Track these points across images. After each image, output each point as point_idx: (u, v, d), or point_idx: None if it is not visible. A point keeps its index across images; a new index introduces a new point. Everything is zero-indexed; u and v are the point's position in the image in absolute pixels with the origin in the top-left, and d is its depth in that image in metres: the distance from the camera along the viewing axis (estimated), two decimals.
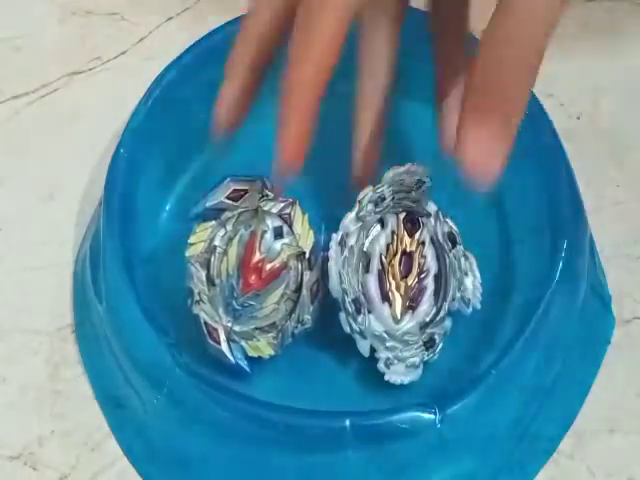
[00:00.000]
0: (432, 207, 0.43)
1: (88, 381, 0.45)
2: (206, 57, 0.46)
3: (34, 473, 0.42)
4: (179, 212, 0.47)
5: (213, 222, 0.42)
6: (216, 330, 0.41)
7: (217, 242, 0.41)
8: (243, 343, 0.41)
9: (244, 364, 0.41)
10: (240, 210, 0.42)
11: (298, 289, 0.42)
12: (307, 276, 0.41)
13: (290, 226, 0.42)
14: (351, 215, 0.42)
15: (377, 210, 0.42)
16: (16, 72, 0.55)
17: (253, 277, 0.41)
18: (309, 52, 0.31)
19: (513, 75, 0.29)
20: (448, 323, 0.42)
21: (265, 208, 0.42)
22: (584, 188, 0.45)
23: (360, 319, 0.41)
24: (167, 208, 0.47)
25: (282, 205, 0.42)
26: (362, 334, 0.41)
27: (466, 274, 0.42)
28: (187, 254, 0.41)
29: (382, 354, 0.41)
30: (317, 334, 0.42)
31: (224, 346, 0.41)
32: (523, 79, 0.29)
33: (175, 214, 0.47)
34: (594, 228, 0.46)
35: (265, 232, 0.42)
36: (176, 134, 0.46)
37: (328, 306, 0.42)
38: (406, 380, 0.41)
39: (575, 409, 0.42)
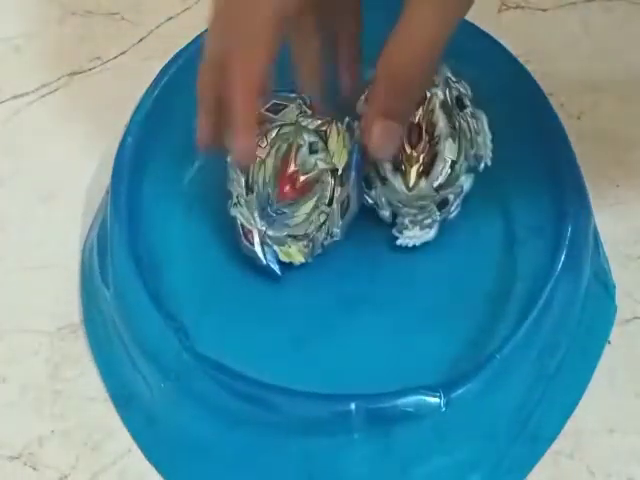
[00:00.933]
0: (442, 74, 0.45)
1: (96, 370, 0.45)
2: None
3: (34, 473, 0.42)
4: (186, 199, 0.47)
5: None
6: (251, 232, 0.44)
7: (257, 152, 0.44)
8: (275, 247, 0.44)
9: (275, 267, 0.44)
10: (280, 123, 0.44)
11: (329, 203, 0.44)
12: (338, 192, 0.44)
13: (326, 143, 0.44)
14: (362, 98, 0.45)
15: None
16: (16, 72, 0.55)
17: (287, 187, 0.44)
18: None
19: (398, 91, 0.38)
20: (466, 183, 0.44)
21: (303, 124, 0.44)
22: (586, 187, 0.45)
23: (373, 193, 0.45)
24: (174, 196, 0.48)
25: (319, 122, 0.44)
26: (378, 206, 0.45)
27: (477, 133, 0.44)
28: (228, 159, 0.44)
29: (399, 219, 0.45)
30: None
31: (257, 248, 0.44)
32: (410, 92, 0.38)
33: (182, 201, 0.47)
34: None
35: (301, 146, 0.44)
36: (183, 122, 0.46)
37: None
38: (418, 242, 0.44)
39: (578, 394, 0.43)
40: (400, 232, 0.45)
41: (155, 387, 0.42)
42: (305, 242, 0.44)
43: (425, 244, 0.45)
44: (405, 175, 0.45)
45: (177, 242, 0.46)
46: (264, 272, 0.44)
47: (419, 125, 0.45)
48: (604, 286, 0.45)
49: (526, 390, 0.41)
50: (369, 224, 0.46)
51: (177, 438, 0.42)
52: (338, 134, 0.44)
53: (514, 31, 0.53)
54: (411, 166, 0.45)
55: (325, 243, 0.44)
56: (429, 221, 0.44)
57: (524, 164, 0.46)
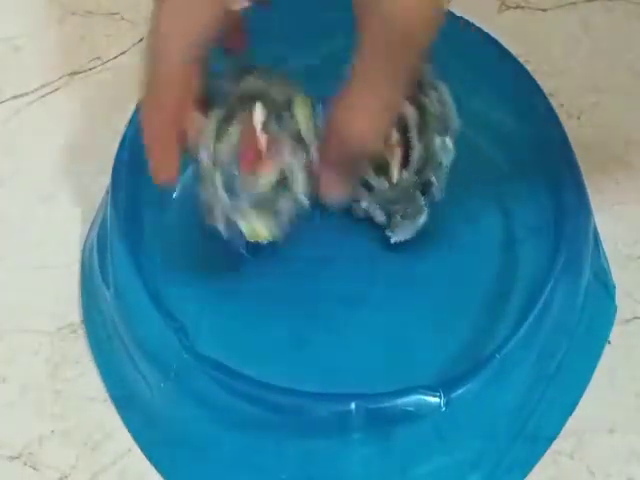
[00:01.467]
0: None
1: (96, 370, 0.45)
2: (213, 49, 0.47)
3: (34, 473, 0.42)
4: (186, 198, 0.47)
5: (217, 110, 0.42)
6: (214, 208, 0.42)
7: (219, 124, 0.42)
8: (241, 224, 0.42)
9: (241, 245, 0.42)
10: (242, 92, 0.42)
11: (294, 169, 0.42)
12: (303, 157, 0.42)
13: (289, 107, 0.42)
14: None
15: None
16: (16, 72, 0.55)
17: (251, 155, 0.42)
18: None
19: (350, 155, 0.38)
20: (444, 158, 0.43)
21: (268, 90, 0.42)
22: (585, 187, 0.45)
23: (364, 205, 0.45)
24: (174, 195, 0.48)
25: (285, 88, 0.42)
26: (372, 214, 0.45)
27: (443, 104, 0.43)
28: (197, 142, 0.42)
29: (392, 219, 0.45)
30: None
31: (220, 226, 0.41)
32: (362, 155, 0.39)
33: (182, 200, 0.47)
34: None
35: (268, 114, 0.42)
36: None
37: None
38: (410, 235, 0.44)
39: (578, 394, 0.43)
40: (393, 231, 0.45)
41: (155, 387, 0.42)
42: (270, 213, 0.42)
43: (425, 244, 0.45)
44: (387, 173, 0.45)
45: (177, 242, 0.46)
46: (256, 265, 0.44)
47: None
48: (604, 286, 0.45)
49: (526, 390, 0.41)
50: (367, 224, 0.46)
51: (177, 438, 0.42)
52: (302, 97, 0.42)
53: (514, 31, 0.53)
54: (390, 163, 0.45)
55: (292, 215, 0.42)
56: (417, 210, 0.44)
57: (524, 164, 0.46)
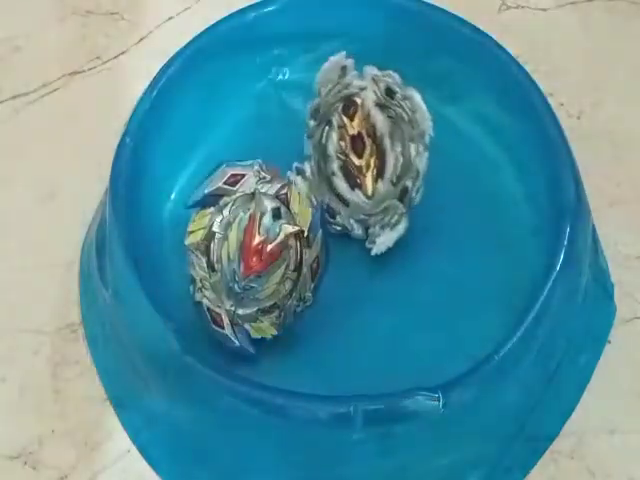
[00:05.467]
0: (368, 73, 0.45)
1: (95, 370, 0.45)
2: (209, 49, 0.47)
3: (34, 473, 0.42)
4: (183, 199, 0.46)
5: (211, 209, 0.42)
6: (220, 315, 0.42)
7: (216, 228, 0.42)
8: (247, 325, 0.42)
9: (249, 347, 0.42)
10: (238, 195, 0.42)
11: (298, 267, 0.42)
12: (307, 254, 0.42)
13: (288, 206, 0.42)
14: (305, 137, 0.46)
15: (316, 122, 0.45)
16: (16, 72, 0.55)
17: (254, 259, 0.41)
18: None
19: None
20: (420, 164, 0.44)
21: (262, 190, 0.42)
22: (584, 188, 0.45)
23: (339, 220, 0.46)
24: (172, 196, 0.48)
25: (279, 186, 0.42)
26: (348, 229, 0.45)
27: (414, 111, 0.44)
28: (187, 242, 0.42)
29: (370, 231, 0.45)
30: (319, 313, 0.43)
31: (228, 330, 0.42)
32: None
33: (180, 201, 0.47)
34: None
35: (264, 214, 0.42)
36: (180, 123, 0.47)
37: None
38: (391, 243, 0.44)
39: (578, 394, 0.43)
40: (373, 242, 0.44)
41: (153, 387, 0.42)
42: (277, 313, 0.42)
43: (425, 246, 0.45)
44: (362, 186, 0.45)
45: (175, 242, 0.45)
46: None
47: (360, 134, 0.45)
48: (603, 286, 0.45)
49: (525, 390, 0.41)
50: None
51: (176, 439, 0.42)
52: (299, 193, 0.42)
53: (514, 31, 0.53)
54: (365, 175, 0.45)
55: (297, 310, 0.42)
56: (396, 218, 0.44)
57: (523, 164, 0.46)
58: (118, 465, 0.42)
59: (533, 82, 0.46)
